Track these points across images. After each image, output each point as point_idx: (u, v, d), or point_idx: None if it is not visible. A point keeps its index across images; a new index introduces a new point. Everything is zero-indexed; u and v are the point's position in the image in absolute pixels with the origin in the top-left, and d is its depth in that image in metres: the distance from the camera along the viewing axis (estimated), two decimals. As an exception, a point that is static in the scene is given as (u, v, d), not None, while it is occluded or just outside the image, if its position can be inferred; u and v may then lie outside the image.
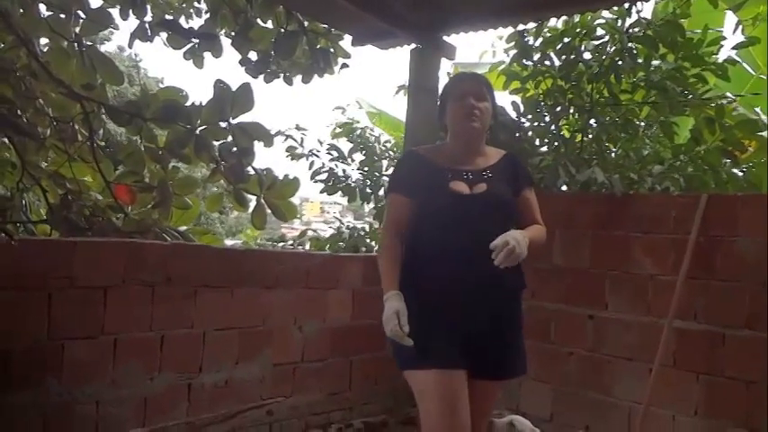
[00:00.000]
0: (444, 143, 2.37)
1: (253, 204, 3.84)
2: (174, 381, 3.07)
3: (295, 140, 5.41)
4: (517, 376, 2.28)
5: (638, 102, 4.27)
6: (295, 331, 3.58)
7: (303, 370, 3.60)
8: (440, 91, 2.42)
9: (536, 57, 4.46)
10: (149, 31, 4.45)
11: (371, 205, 5.68)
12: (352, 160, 5.56)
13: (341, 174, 5.46)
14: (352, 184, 5.42)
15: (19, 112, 3.53)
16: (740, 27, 4.50)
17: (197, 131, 3.59)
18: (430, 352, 2.04)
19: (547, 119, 4.49)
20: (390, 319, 1.99)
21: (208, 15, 4.87)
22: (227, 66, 4.87)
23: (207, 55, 4.74)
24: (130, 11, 4.26)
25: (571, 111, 4.45)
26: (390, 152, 5.77)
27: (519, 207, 2.27)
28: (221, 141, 3.68)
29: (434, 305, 2.09)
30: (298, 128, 5.47)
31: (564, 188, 4.10)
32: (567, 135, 4.54)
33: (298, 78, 5.07)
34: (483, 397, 2.17)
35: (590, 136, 4.41)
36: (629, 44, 4.09)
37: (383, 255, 2.19)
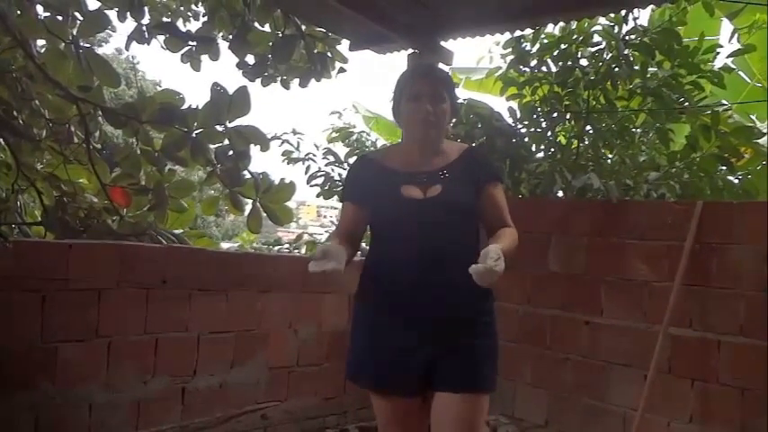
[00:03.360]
0: (399, 144, 2.21)
1: (249, 208, 3.83)
2: (169, 384, 3.06)
3: (291, 144, 5.41)
4: (477, 390, 1.97)
5: (635, 108, 4.28)
6: (290, 335, 3.57)
7: (298, 374, 3.60)
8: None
9: (533, 63, 4.47)
10: (147, 34, 4.45)
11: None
12: (348, 164, 5.56)
13: (337, 178, 5.46)
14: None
15: (15, 113, 3.52)
16: (736, 35, 4.52)
17: (193, 134, 3.58)
18: (379, 376, 2.02)
19: (543, 125, 4.50)
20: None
21: (205, 18, 4.87)
22: (224, 69, 4.88)
23: (204, 58, 4.74)
24: (128, 13, 4.26)
25: (567, 117, 4.47)
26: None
27: (483, 205, 2.06)
28: (218, 145, 3.67)
29: (387, 320, 1.98)
30: (294, 132, 5.48)
31: (560, 194, 4.11)
32: (564, 141, 4.55)
33: (295, 82, 5.07)
34: (443, 410, 1.95)
35: (586, 142, 4.42)
36: (626, 51, 4.10)
37: None
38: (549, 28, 4.34)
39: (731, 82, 4.48)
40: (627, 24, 4.15)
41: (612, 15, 4.13)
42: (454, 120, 2.23)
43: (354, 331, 2.14)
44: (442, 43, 4.23)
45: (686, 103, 4.05)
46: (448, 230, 1.97)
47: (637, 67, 4.12)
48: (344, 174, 5.43)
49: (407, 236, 1.97)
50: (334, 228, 2.24)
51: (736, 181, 4.08)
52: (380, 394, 2.06)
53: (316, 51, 4.86)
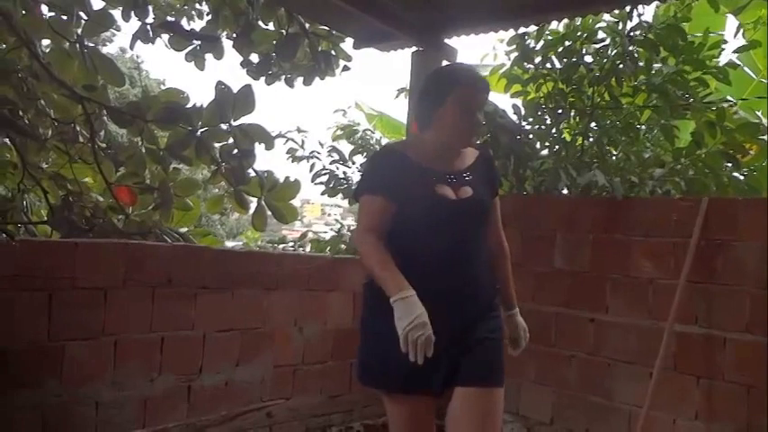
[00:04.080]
0: (421, 139, 2.11)
1: (253, 206, 3.84)
2: (175, 382, 3.07)
3: (296, 142, 5.41)
4: (498, 384, 2.01)
5: (639, 105, 4.27)
6: (295, 333, 3.58)
7: (303, 372, 3.60)
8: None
9: (537, 60, 4.46)
10: (151, 33, 4.46)
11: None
12: (353, 162, 5.56)
13: (342, 176, 5.46)
14: (354, 187, 5.41)
15: (20, 113, 3.53)
16: (741, 31, 4.50)
17: (198, 133, 3.59)
18: (398, 380, 1.97)
19: (548, 122, 4.49)
20: (421, 326, 1.74)
21: (209, 17, 4.89)
22: (228, 68, 4.88)
23: (208, 57, 4.75)
24: (132, 12, 4.27)
25: (572, 114, 4.45)
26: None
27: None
28: (222, 143, 3.69)
29: None
30: (299, 130, 5.47)
31: (565, 191, 4.10)
32: (568, 138, 4.54)
33: (299, 80, 5.08)
34: (467, 405, 1.96)
35: (591, 139, 4.41)
36: (631, 47, 4.08)
37: (373, 255, 1.91)
38: (554, 25, 4.33)
39: (736, 78, 4.46)
40: (631, 21, 4.13)
41: (617, 12, 4.12)
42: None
43: (368, 335, 2.08)
44: (446, 40, 4.23)
45: (691, 100, 4.03)
46: (475, 232, 2.01)
47: (641, 64, 4.10)
48: (349, 172, 5.46)
49: (440, 235, 1.95)
50: (362, 223, 2.04)
51: (742, 177, 4.06)
52: (402, 397, 2.01)
53: (320, 50, 4.87)
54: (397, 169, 2.00)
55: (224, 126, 3.61)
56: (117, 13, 4.19)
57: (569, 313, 3.67)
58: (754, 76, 5.52)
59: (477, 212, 2.04)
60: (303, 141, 5.45)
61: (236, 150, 3.67)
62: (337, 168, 5.44)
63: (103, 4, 4.17)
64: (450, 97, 2.00)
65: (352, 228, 5.65)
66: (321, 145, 5.52)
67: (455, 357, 1.97)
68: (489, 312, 2.08)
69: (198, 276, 3.16)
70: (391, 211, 1.97)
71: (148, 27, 4.44)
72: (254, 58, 4.92)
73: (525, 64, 4.50)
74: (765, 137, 4.02)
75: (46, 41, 3.92)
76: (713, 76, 4.03)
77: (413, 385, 1.97)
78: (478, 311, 2.03)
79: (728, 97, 4.51)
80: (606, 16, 4.19)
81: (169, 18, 4.81)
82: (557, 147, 4.46)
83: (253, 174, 3.76)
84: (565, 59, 4.36)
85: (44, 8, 3.87)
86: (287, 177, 3.89)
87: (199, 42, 4.64)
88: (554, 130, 4.47)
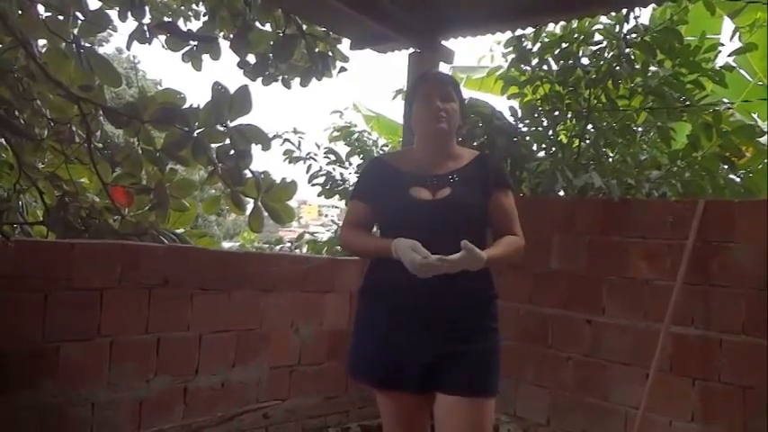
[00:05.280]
0: (412, 147, 2.26)
1: (250, 207, 3.84)
2: (170, 383, 3.06)
3: (293, 144, 5.42)
4: (485, 395, 1.99)
5: (636, 107, 4.28)
6: (292, 334, 3.57)
7: (300, 373, 3.60)
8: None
9: (534, 62, 4.47)
10: (148, 33, 4.45)
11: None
12: (350, 164, 5.56)
13: (338, 177, 5.46)
14: (350, 188, 5.42)
15: (16, 113, 3.53)
16: (737, 34, 4.51)
17: (195, 134, 3.58)
18: (381, 373, 2.04)
19: (544, 124, 4.50)
20: (423, 265, 1.82)
21: (206, 18, 4.88)
22: (225, 68, 4.87)
23: (205, 57, 4.74)
24: (129, 13, 4.26)
25: (569, 116, 4.46)
26: (388, 156, 5.77)
27: (491, 212, 2.10)
28: (219, 144, 3.68)
29: (390, 319, 2.01)
30: (295, 131, 5.49)
31: (561, 193, 4.10)
32: (565, 140, 4.55)
33: (296, 81, 5.07)
34: (452, 415, 1.97)
35: (587, 141, 4.41)
36: (627, 50, 4.10)
37: (351, 237, 2.14)
38: (551, 27, 4.34)
39: (732, 81, 4.48)
40: (628, 23, 4.14)
41: (613, 14, 4.13)
42: (462, 124, 2.26)
43: (357, 328, 2.16)
44: (444, 42, 4.23)
45: (687, 102, 4.05)
46: (455, 232, 1.95)
47: (638, 66, 4.11)
48: (345, 173, 5.48)
49: (414, 236, 1.95)
50: (342, 223, 2.29)
51: (738, 179, 4.07)
52: (384, 392, 2.09)
53: (317, 50, 4.86)
54: (374, 176, 2.19)
55: (221, 127, 3.60)
56: (113, 14, 4.18)
57: (566, 315, 3.67)
58: (750, 79, 5.54)
59: (454, 212, 2.01)
60: (300, 142, 5.46)
61: (232, 151, 3.66)
62: (334, 170, 5.46)
63: (100, 4, 4.17)
64: (414, 99, 2.19)
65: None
66: (318, 146, 5.54)
67: (435, 359, 1.97)
68: (483, 320, 2.05)
69: (194, 277, 3.15)
70: (369, 214, 2.14)
71: (145, 27, 4.43)
72: (251, 58, 4.91)
73: (522, 66, 4.51)
74: (763, 139, 4.04)
75: (42, 41, 3.91)
76: (709, 79, 4.04)
77: (387, 381, 2.04)
78: (463, 315, 2.00)
79: (724, 100, 4.53)
80: (603, 19, 4.20)
81: (166, 18, 4.80)
82: (553, 149, 4.47)
83: (249, 175, 3.75)
84: (561, 61, 4.37)
85: (40, 8, 3.86)
86: (283, 178, 3.89)
87: (196, 43, 4.63)
88: (550, 132, 4.48)
